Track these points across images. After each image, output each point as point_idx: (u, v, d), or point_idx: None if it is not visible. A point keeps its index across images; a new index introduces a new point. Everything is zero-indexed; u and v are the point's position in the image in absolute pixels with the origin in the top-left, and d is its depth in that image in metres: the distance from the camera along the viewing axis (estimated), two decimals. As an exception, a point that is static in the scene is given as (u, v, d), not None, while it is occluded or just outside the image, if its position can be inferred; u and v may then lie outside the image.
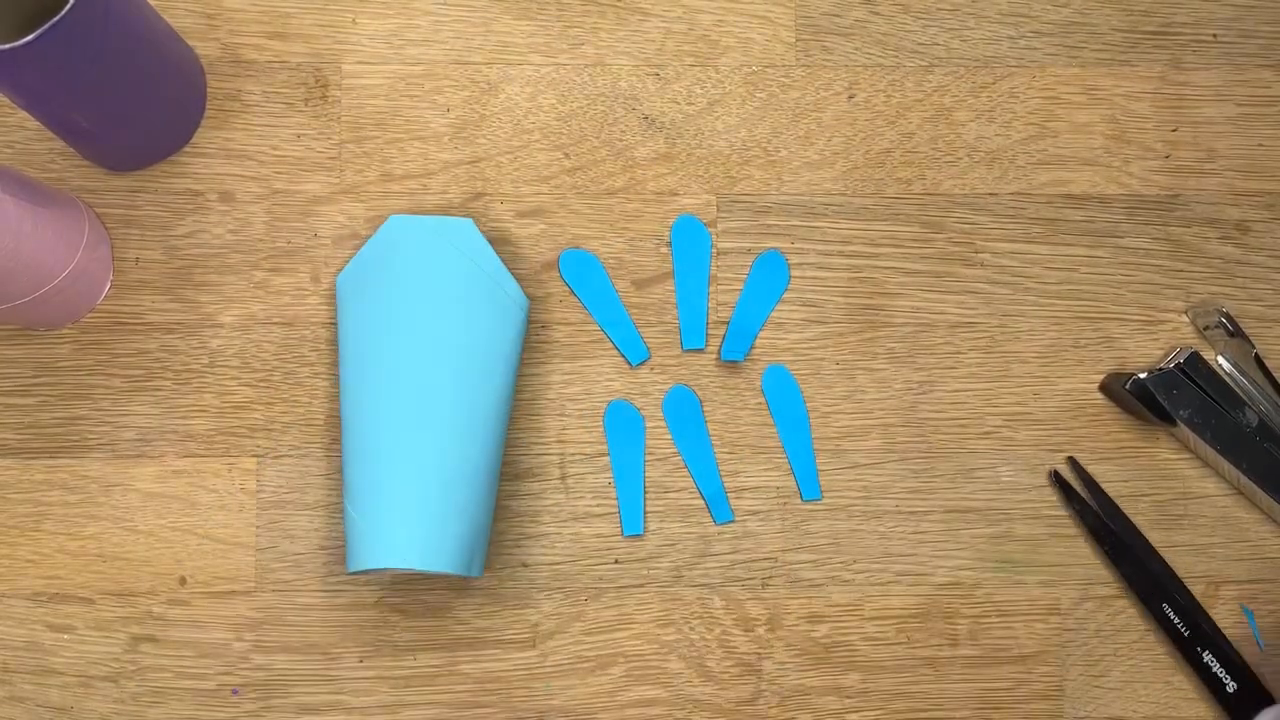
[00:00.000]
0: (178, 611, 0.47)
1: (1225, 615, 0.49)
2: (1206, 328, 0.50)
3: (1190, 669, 0.49)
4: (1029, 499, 0.50)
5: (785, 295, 0.50)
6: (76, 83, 0.42)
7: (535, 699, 0.47)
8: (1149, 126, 0.52)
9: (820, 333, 0.50)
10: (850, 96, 0.51)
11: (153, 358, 0.48)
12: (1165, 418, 0.48)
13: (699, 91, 0.51)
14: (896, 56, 0.51)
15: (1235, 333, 0.49)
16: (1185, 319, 0.50)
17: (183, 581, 0.48)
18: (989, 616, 0.49)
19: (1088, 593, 0.49)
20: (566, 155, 0.50)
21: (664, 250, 0.50)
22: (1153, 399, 0.48)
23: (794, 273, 0.50)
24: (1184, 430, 0.48)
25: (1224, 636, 0.49)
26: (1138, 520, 0.50)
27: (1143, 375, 0.48)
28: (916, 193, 0.51)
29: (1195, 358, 0.49)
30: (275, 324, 0.49)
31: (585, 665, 0.48)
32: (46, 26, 0.38)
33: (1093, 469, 0.50)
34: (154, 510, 0.48)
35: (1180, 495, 0.50)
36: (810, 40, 0.51)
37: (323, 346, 0.49)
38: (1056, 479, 0.49)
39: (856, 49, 0.51)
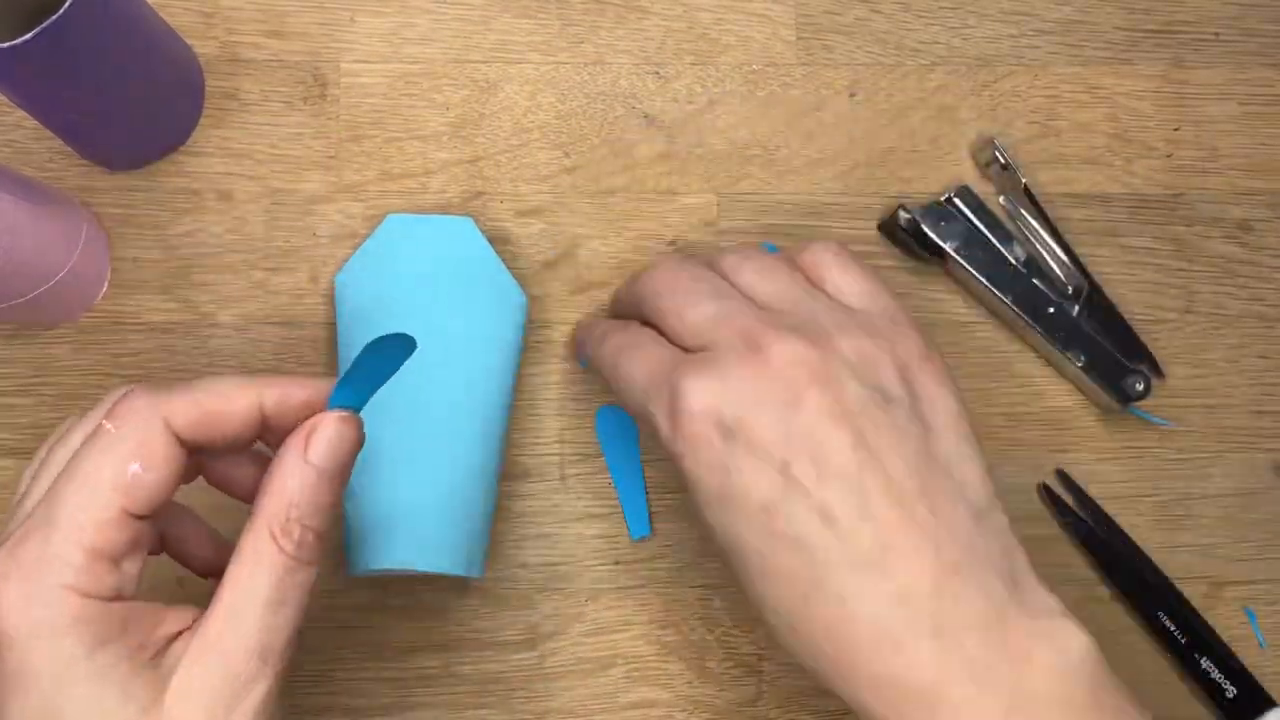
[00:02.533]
0: (176, 612, 0.47)
1: (1227, 616, 0.49)
2: (986, 164, 0.50)
3: (1189, 676, 0.48)
4: (1030, 499, 0.49)
5: (786, 295, 0.50)
6: (74, 81, 0.41)
7: (535, 700, 0.47)
8: (1151, 125, 0.51)
9: (821, 332, 0.50)
10: (851, 95, 0.51)
11: (151, 358, 0.48)
12: (937, 252, 0.48)
13: (699, 90, 0.51)
14: (898, 55, 0.51)
15: (1007, 166, 0.49)
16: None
17: (180, 584, 0.47)
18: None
19: (1088, 593, 0.49)
20: (566, 154, 0.50)
21: (664, 250, 0.50)
22: (924, 233, 0.48)
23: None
24: (955, 264, 0.48)
25: (1222, 642, 0.48)
26: (1138, 521, 0.50)
27: (914, 209, 0.48)
28: (918, 191, 0.51)
29: (965, 191, 0.49)
30: (274, 323, 0.49)
31: (585, 666, 0.48)
32: (44, 25, 0.37)
33: (1093, 469, 0.50)
34: (152, 511, 0.48)
35: (1182, 496, 0.50)
36: (811, 39, 0.51)
37: (322, 346, 0.48)
38: (1046, 493, 0.49)
39: (858, 47, 0.51)
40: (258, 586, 0.32)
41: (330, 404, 0.34)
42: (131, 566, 0.32)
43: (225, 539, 0.38)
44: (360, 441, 0.34)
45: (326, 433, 0.33)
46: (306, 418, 0.34)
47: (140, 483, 0.31)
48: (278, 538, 0.32)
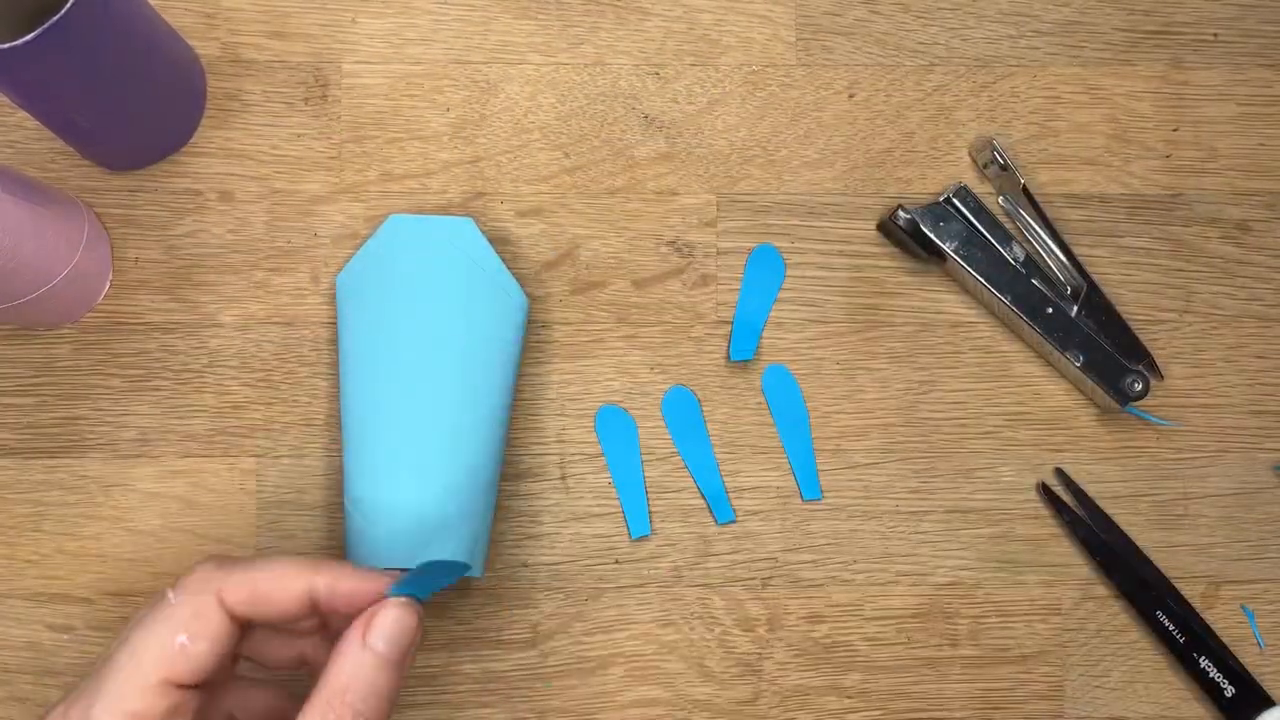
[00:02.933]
0: (177, 611, 0.47)
1: (1226, 615, 0.49)
2: (985, 165, 0.50)
3: (1188, 675, 0.48)
4: (1030, 498, 0.50)
5: (785, 295, 0.50)
6: (76, 82, 0.42)
7: (536, 699, 0.47)
8: (1150, 126, 0.52)
9: (820, 332, 0.50)
10: (851, 96, 0.51)
11: (152, 357, 0.48)
12: (935, 252, 0.48)
13: (699, 91, 0.51)
14: (897, 56, 0.51)
15: (1006, 166, 0.49)
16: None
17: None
18: (989, 616, 0.49)
19: (1088, 593, 0.49)
20: (566, 154, 0.50)
21: (663, 250, 0.50)
22: (923, 233, 0.48)
23: (794, 272, 0.50)
24: (954, 264, 0.48)
25: (1220, 641, 0.49)
26: (1137, 521, 0.50)
27: (913, 209, 0.48)
28: (917, 192, 0.51)
29: (963, 190, 0.49)
30: (275, 324, 0.49)
31: (586, 665, 0.48)
32: (46, 25, 0.38)
33: (1092, 469, 0.50)
34: (154, 510, 0.48)
35: (1181, 495, 0.50)
36: (810, 40, 0.51)
37: (323, 346, 0.49)
38: (1045, 492, 0.49)
39: (857, 48, 0.51)
40: None
41: (390, 593, 0.35)
42: None
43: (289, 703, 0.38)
44: (420, 632, 0.35)
45: (387, 618, 0.34)
46: (356, 605, 0.35)
47: (185, 653, 0.32)
48: None
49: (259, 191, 0.49)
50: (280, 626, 0.36)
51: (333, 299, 0.49)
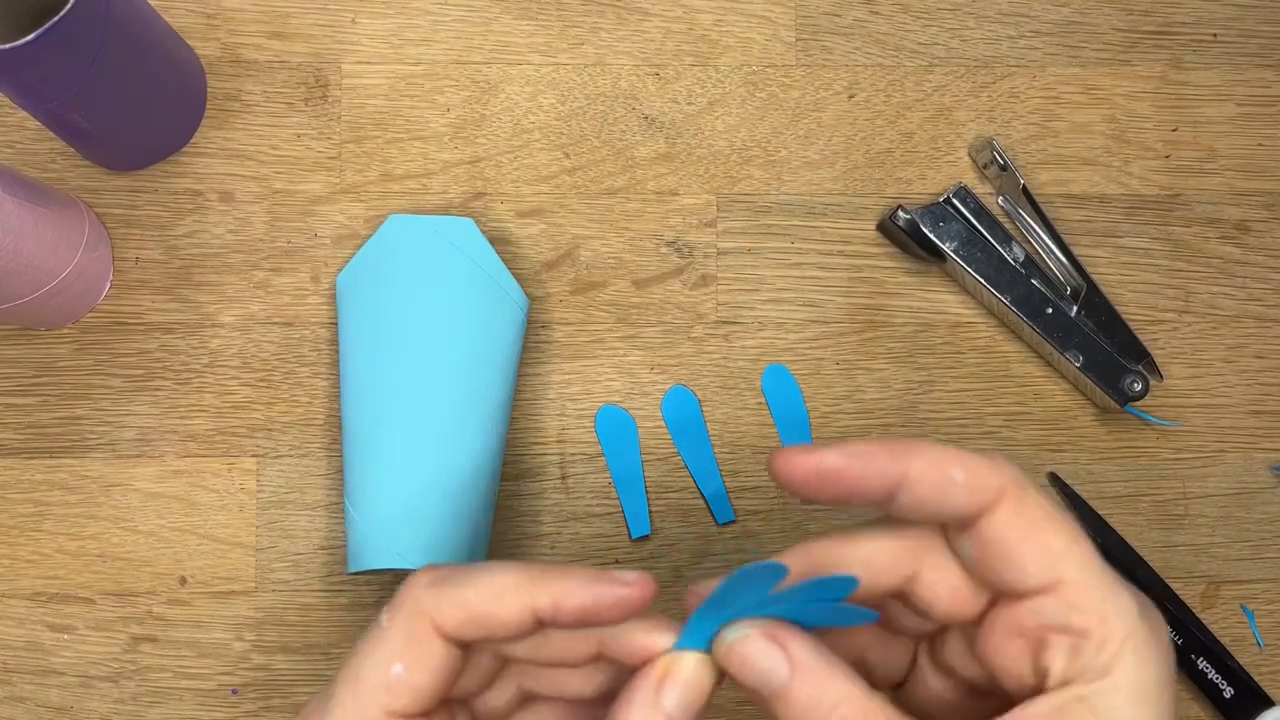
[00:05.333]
0: (178, 611, 0.47)
1: (1225, 615, 0.49)
2: (985, 165, 0.50)
3: (1186, 676, 0.48)
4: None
5: (785, 295, 0.50)
6: (76, 82, 0.42)
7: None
8: (1149, 126, 0.52)
9: (820, 332, 0.50)
10: (850, 96, 0.51)
11: (153, 358, 0.48)
12: (935, 252, 0.49)
13: (699, 91, 0.51)
14: (896, 56, 0.51)
15: (1005, 166, 0.49)
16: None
17: (183, 581, 0.48)
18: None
19: (1087, 592, 0.49)
20: (566, 155, 0.50)
21: (663, 250, 0.50)
22: (923, 233, 0.48)
23: (794, 272, 0.50)
24: (953, 265, 0.49)
25: (1219, 642, 0.49)
26: (1136, 521, 0.50)
27: (913, 209, 0.48)
28: (917, 192, 0.51)
29: (963, 191, 0.49)
30: (275, 324, 0.49)
31: (585, 665, 0.48)
32: (46, 26, 0.38)
33: (1092, 469, 0.50)
34: (154, 510, 0.48)
35: (1180, 495, 0.50)
36: (810, 40, 0.51)
37: (323, 346, 0.49)
38: None
39: (856, 49, 0.51)
40: None
41: (683, 636, 0.29)
42: None
43: None
44: (712, 690, 0.29)
45: (683, 677, 0.29)
46: (584, 618, 0.29)
47: (404, 683, 0.29)
48: None
49: (259, 192, 0.49)
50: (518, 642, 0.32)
51: (333, 299, 0.49)
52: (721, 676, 0.29)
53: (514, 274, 0.47)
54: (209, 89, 0.50)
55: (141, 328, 0.49)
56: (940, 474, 0.28)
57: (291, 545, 0.48)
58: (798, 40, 0.51)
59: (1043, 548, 0.28)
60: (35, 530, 0.48)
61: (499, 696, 0.33)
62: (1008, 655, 0.29)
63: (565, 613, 0.29)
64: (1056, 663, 0.28)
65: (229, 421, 0.48)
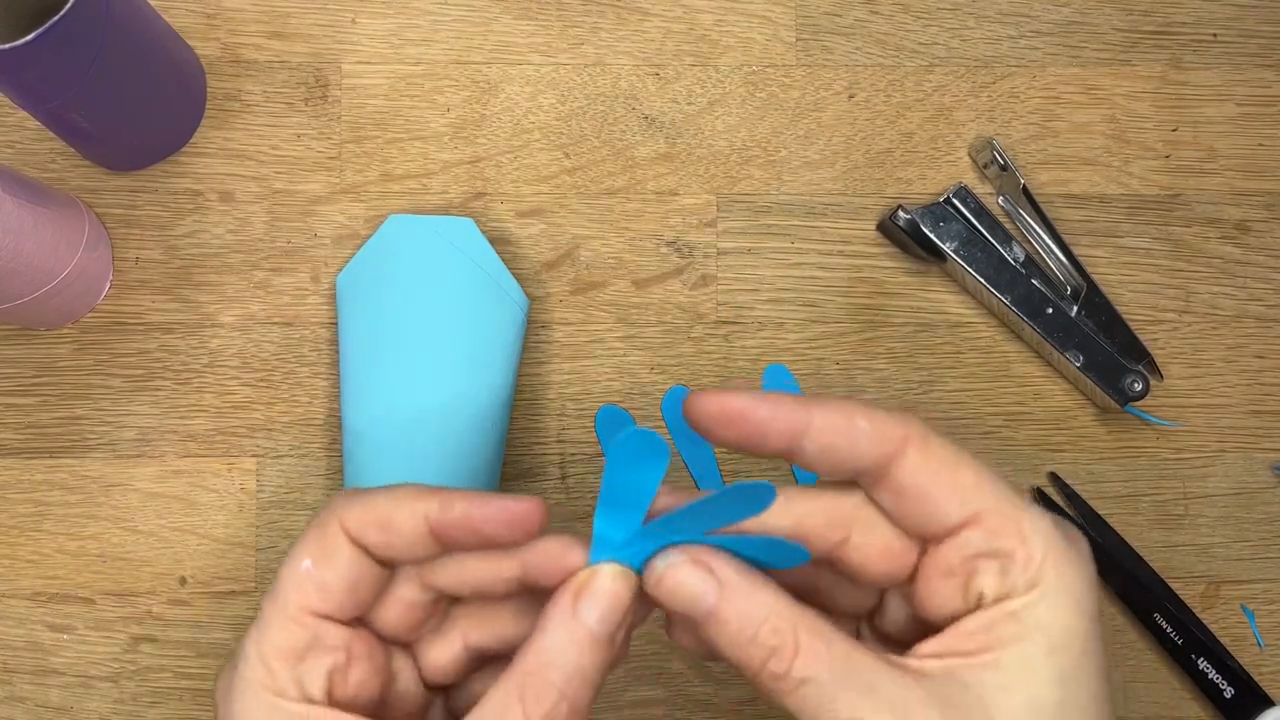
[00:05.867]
0: (178, 612, 0.47)
1: (1225, 615, 0.49)
2: (985, 165, 0.50)
3: (1186, 676, 0.48)
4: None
5: (786, 295, 0.50)
6: (76, 82, 0.42)
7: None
8: (1149, 126, 0.52)
9: (820, 332, 0.50)
10: (850, 96, 0.51)
11: (152, 358, 0.48)
12: (935, 252, 0.49)
13: (699, 91, 0.51)
14: (896, 56, 0.51)
15: (1006, 166, 0.49)
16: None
17: (183, 581, 0.48)
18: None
19: (1088, 592, 0.49)
20: (566, 155, 0.50)
21: (663, 250, 0.50)
22: (923, 233, 0.48)
23: (794, 272, 0.50)
24: (954, 265, 0.49)
25: (1219, 642, 0.49)
26: (1137, 521, 0.50)
27: (913, 209, 0.48)
28: (917, 192, 0.51)
29: (963, 190, 0.49)
30: (275, 324, 0.49)
31: (585, 665, 0.48)
32: (46, 26, 0.38)
33: (1092, 469, 0.50)
34: (154, 510, 0.48)
35: (1181, 495, 0.50)
36: (810, 40, 0.51)
37: (323, 346, 0.49)
38: (1040, 497, 0.49)
39: (857, 49, 0.51)
40: None
41: (594, 550, 0.30)
42: (313, 669, 0.30)
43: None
44: (631, 604, 0.30)
45: (600, 588, 0.30)
46: (470, 525, 0.30)
47: (313, 579, 0.31)
48: (526, 701, 0.28)
49: (259, 192, 0.49)
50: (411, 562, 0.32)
51: (333, 299, 0.49)
52: (651, 606, 0.30)
53: (514, 274, 0.47)
54: (209, 89, 0.50)
55: (141, 328, 0.48)
56: (845, 422, 0.29)
57: (291, 545, 0.48)
58: (798, 40, 0.51)
59: (955, 485, 0.29)
60: (35, 530, 0.47)
61: (445, 652, 0.33)
62: (944, 596, 0.30)
63: (452, 520, 0.30)
64: (987, 586, 0.29)
65: (229, 421, 0.48)
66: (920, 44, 0.51)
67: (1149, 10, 0.52)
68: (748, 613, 0.29)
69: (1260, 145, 0.52)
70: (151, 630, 0.47)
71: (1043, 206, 0.49)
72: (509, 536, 0.30)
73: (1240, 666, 0.48)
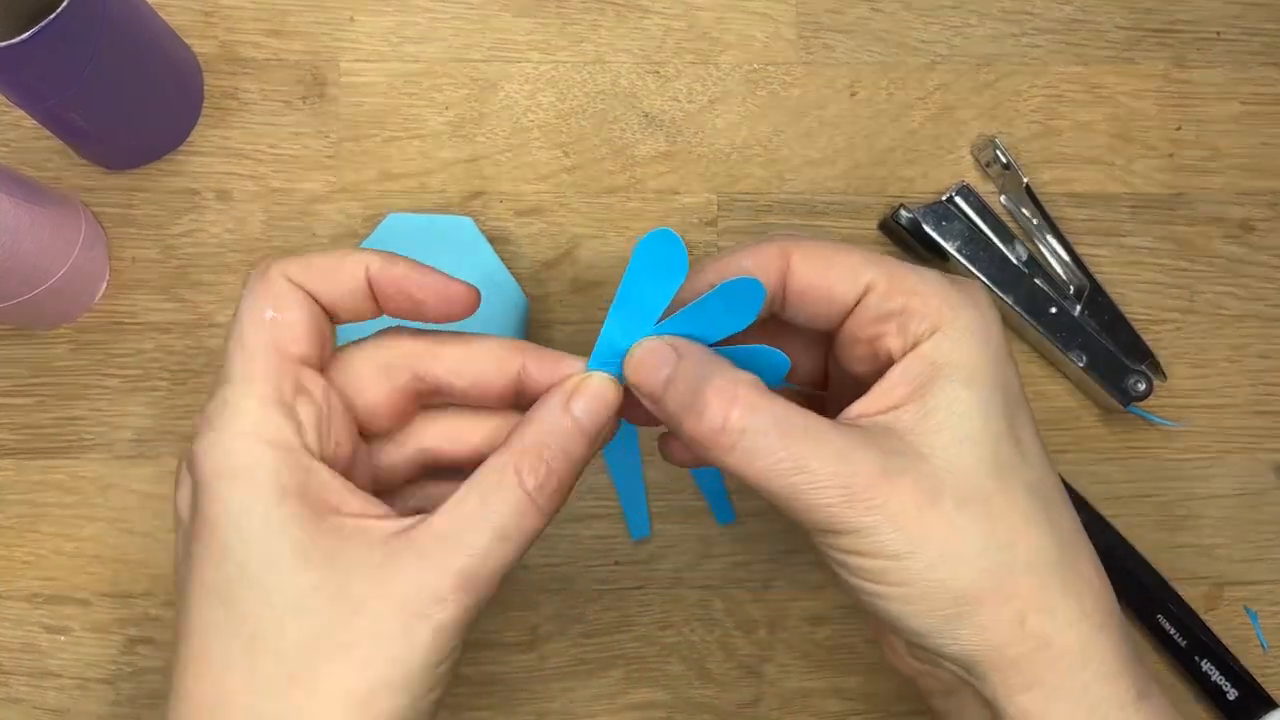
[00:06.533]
0: (175, 613, 0.47)
1: (1229, 617, 0.49)
2: (988, 164, 0.50)
3: (1189, 678, 0.48)
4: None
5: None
6: (72, 81, 0.41)
7: (535, 701, 0.47)
8: (1152, 125, 0.51)
9: (822, 332, 0.50)
10: (852, 94, 0.51)
11: (149, 358, 0.48)
12: (938, 252, 0.48)
13: (699, 89, 0.50)
14: (899, 54, 0.51)
15: (1008, 165, 0.49)
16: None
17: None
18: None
19: (1090, 594, 0.49)
20: (566, 153, 0.50)
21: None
22: (925, 233, 0.48)
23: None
24: (956, 264, 0.49)
25: (1222, 644, 0.48)
26: (1140, 521, 0.49)
27: (915, 208, 0.48)
28: (919, 191, 0.50)
29: (966, 189, 0.49)
30: (273, 324, 0.48)
31: (585, 667, 0.47)
32: (43, 24, 0.37)
33: (1095, 469, 0.50)
34: (151, 511, 0.47)
35: (1185, 496, 0.50)
36: (812, 38, 0.51)
37: (321, 346, 0.48)
38: None
39: (859, 46, 0.51)
40: (488, 514, 0.31)
41: (595, 352, 0.33)
42: (307, 414, 0.31)
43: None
44: (616, 406, 0.33)
45: (592, 390, 0.33)
46: (401, 286, 0.33)
47: (278, 324, 0.31)
48: (522, 472, 0.31)
49: (256, 190, 0.49)
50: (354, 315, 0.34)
51: (331, 299, 0.48)
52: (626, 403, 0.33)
53: (514, 274, 0.47)
54: (206, 87, 0.49)
55: (138, 327, 0.48)
56: (735, 272, 0.32)
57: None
58: (799, 38, 0.51)
59: (842, 269, 0.32)
60: (31, 531, 0.47)
61: (399, 452, 0.35)
62: (860, 360, 0.33)
63: (391, 277, 0.32)
64: (894, 344, 0.32)
65: (226, 422, 0.48)
66: (922, 41, 0.51)
67: (1152, 8, 0.52)
68: (695, 374, 0.31)
69: (1264, 144, 0.51)
70: (149, 632, 0.47)
71: (1045, 205, 0.49)
72: (437, 310, 0.33)
73: (1244, 668, 0.48)
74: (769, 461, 0.30)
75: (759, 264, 0.33)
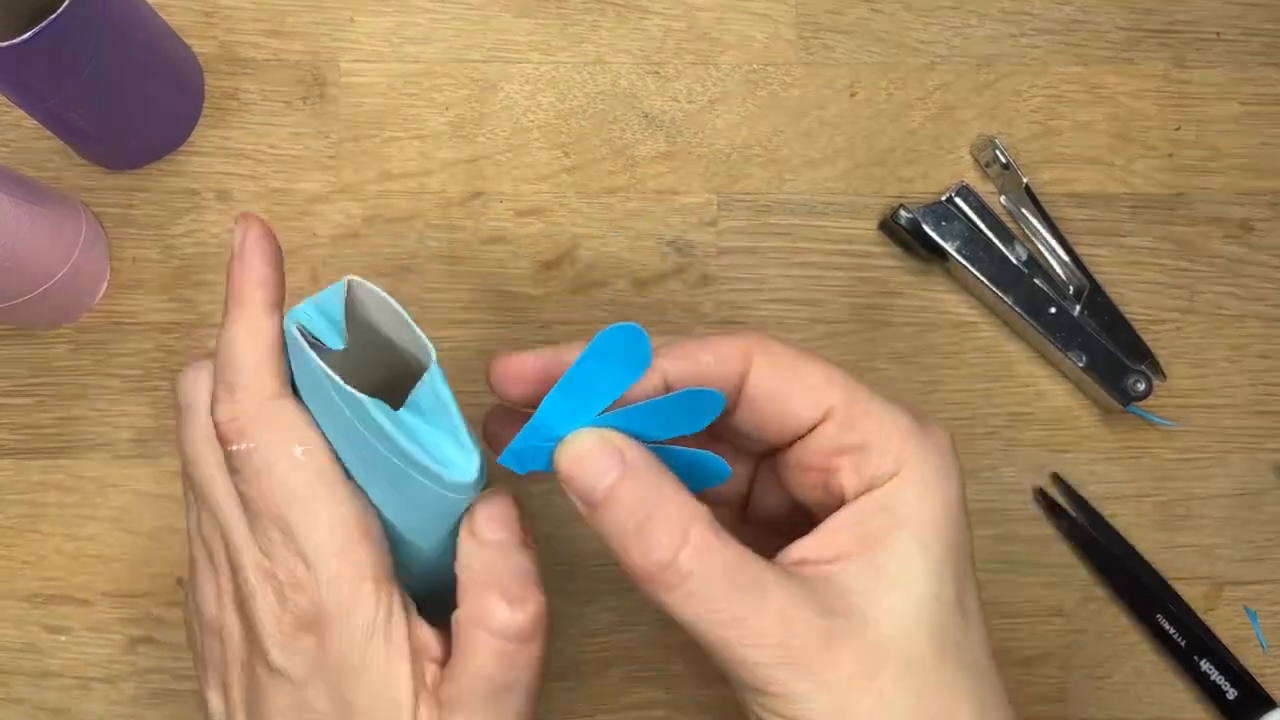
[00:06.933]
0: (176, 613, 0.47)
1: (1228, 617, 0.49)
2: (987, 164, 0.50)
3: (1189, 678, 0.48)
4: (1032, 499, 0.49)
5: (788, 294, 0.50)
6: (73, 81, 0.41)
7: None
8: (1152, 125, 0.51)
9: (822, 332, 0.50)
10: (852, 94, 0.51)
11: (150, 358, 0.48)
12: (938, 252, 0.48)
13: (699, 89, 0.50)
14: (898, 54, 0.51)
15: (1008, 165, 0.49)
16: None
17: (180, 582, 0.47)
18: (992, 618, 0.49)
19: (1090, 594, 0.49)
20: (566, 153, 0.50)
21: (664, 249, 0.50)
22: (925, 233, 0.48)
23: (796, 272, 0.50)
24: (956, 264, 0.48)
25: (1222, 644, 0.48)
26: (1139, 522, 0.49)
27: (915, 208, 0.48)
28: (919, 191, 0.50)
29: (965, 190, 0.49)
30: (273, 324, 0.48)
31: (585, 668, 0.47)
32: (43, 24, 0.37)
33: (1095, 469, 0.50)
34: (152, 511, 0.47)
35: (1184, 496, 0.50)
36: (811, 38, 0.51)
37: (321, 346, 0.48)
38: (1041, 497, 0.49)
39: (858, 46, 0.51)
40: (476, 673, 0.30)
41: (521, 433, 0.30)
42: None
43: None
44: (518, 502, 0.32)
45: (485, 511, 0.32)
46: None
47: (318, 466, 0.32)
48: (483, 622, 0.31)
49: (257, 191, 0.49)
50: None
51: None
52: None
53: (513, 274, 0.47)
54: (206, 87, 0.49)
55: (139, 328, 0.48)
56: (693, 367, 0.30)
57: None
58: (799, 38, 0.51)
59: (803, 388, 0.30)
60: (32, 531, 0.47)
61: None
62: (808, 490, 0.31)
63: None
64: (848, 481, 0.29)
65: (227, 422, 0.48)
66: (922, 42, 0.51)
67: (1152, 9, 0.52)
68: (644, 498, 0.29)
69: (1264, 144, 0.51)
70: (150, 631, 0.47)
71: (1045, 205, 0.49)
72: None
73: (1243, 668, 0.48)
74: (707, 609, 0.28)
75: (720, 360, 0.30)
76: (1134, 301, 0.50)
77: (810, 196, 0.50)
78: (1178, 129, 0.51)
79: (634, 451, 0.29)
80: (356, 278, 0.29)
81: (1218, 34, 0.52)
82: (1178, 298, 0.51)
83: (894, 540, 0.28)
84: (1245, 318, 0.51)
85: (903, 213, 0.48)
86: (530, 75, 0.50)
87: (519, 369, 0.31)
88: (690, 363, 0.30)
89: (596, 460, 0.29)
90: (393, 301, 0.29)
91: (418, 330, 0.29)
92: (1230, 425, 0.50)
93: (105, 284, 0.48)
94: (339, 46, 0.50)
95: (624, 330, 0.28)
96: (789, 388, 0.30)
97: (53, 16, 0.37)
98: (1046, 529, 0.49)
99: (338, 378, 0.29)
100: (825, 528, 0.29)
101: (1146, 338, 0.49)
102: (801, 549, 0.29)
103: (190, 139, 0.49)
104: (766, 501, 0.35)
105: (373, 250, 0.49)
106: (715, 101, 0.50)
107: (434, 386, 0.29)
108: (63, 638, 0.47)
